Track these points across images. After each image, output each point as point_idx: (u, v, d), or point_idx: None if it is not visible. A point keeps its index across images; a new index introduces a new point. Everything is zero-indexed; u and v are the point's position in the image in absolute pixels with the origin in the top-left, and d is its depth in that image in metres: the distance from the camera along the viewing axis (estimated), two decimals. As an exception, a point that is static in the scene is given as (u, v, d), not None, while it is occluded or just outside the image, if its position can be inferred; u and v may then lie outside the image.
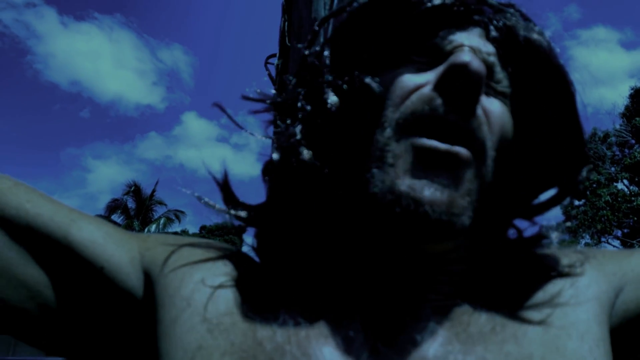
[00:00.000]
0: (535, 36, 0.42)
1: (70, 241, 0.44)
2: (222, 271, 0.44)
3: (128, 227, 18.37)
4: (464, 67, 0.37)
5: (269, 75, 2.14)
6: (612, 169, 14.28)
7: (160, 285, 0.43)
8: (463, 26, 0.41)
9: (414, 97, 0.39)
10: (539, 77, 0.43)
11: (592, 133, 16.33)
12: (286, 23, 2.12)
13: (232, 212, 0.45)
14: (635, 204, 13.09)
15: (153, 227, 19.29)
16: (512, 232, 0.47)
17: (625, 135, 14.93)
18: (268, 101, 0.46)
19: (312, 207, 0.42)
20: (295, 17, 2.15)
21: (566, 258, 0.45)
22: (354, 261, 0.43)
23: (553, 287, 0.43)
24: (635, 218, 13.41)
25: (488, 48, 0.41)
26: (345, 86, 0.41)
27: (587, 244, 14.57)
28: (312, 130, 0.41)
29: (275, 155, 0.42)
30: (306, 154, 0.41)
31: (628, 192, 13.90)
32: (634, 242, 13.63)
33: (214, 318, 0.40)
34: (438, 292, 0.41)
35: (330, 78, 0.42)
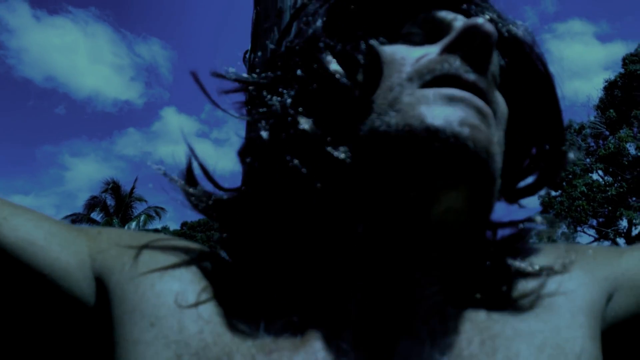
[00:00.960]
0: (515, 28, 0.43)
1: (3, 243, 0.37)
2: (190, 279, 0.38)
3: (107, 224, 18.06)
4: (480, 27, 0.37)
5: (248, 70, 2.14)
6: (587, 160, 14.60)
7: (117, 297, 0.37)
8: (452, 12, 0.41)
9: (425, 60, 0.38)
10: (521, 69, 0.44)
11: (567, 125, 16.53)
12: (256, 14, 2.12)
13: (197, 196, 0.40)
14: (609, 193, 13.42)
15: (133, 224, 19.01)
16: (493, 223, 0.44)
17: (599, 127, 15.27)
18: (252, 78, 0.42)
19: (308, 185, 0.37)
20: (262, 8, 2.16)
21: (556, 258, 0.42)
22: (345, 259, 0.38)
23: (545, 296, 0.39)
24: (610, 208, 13.76)
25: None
26: (348, 51, 0.39)
27: (563, 233, 14.88)
28: (307, 100, 0.38)
29: (264, 133, 0.38)
30: (305, 122, 0.37)
31: (603, 183, 14.24)
32: (609, 230, 14.00)
33: (182, 340, 0.34)
34: (429, 299, 0.38)
35: (329, 42, 0.39)
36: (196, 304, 0.37)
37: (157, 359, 0.33)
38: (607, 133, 15.14)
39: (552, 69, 0.45)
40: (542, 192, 0.47)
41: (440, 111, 0.34)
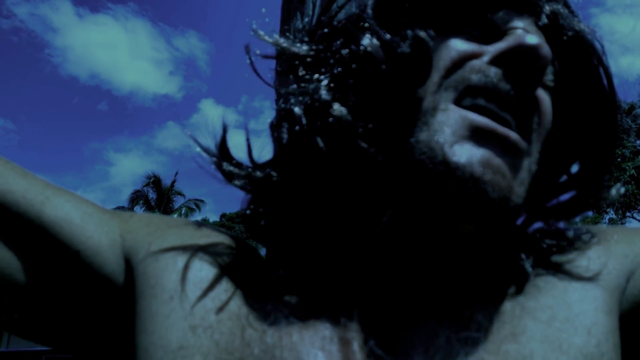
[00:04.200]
0: (584, 29, 0.39)
1: (43, 221, 0.39)
2: (211, 260, 0.40)
3: (150, 217, 18.62)
4: (534, 49, 0.34)
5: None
6: (638, 142, 13.89)
7: (141, 273, 0.39)
8: (517, 9, 0.39)
9: (468, 67, 0.36)
10: (582, 74, 0.40)
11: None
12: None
13: (230, 168, 0.39)
14: (662, 177, 12.74)
15: (174, 216, 19.56)
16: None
17: (650, 107, 14.46)
18: (294, 49, 0.40)
19: (338, 172, 0.37)
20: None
21: (573, 238, 0.41)
22: (364, 248, 0.39)
23: (557, 272, 0.39)
24: (662, 191, 13.06)
25: (541, 38, 0.38)
26: (394, 39, 0.36)
27: (611, 220, 14.26)
28: (345, 84, 0.36)
29: (297, 110, 0.37)
30: (338, 109, 0.35)
31: (654, 165, 13.52)
32: (661, 216, 13.29)
33: (199, 314, 0.36)
34: (442, 284, 0.38)
35: (376, 27, 0.37)
36: (214, 283, 0.38)
37: (173, 330, 0.35)
38: (659, 113, 14.32)
39: (604, 45, 0.40)
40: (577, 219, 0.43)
41: (463, 147, 0.33)
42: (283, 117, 0.39)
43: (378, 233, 0.38)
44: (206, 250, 0.41)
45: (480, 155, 0.33)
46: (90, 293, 0.40)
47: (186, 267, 0.39)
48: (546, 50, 0.35)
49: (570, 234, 0.42)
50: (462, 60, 0.36)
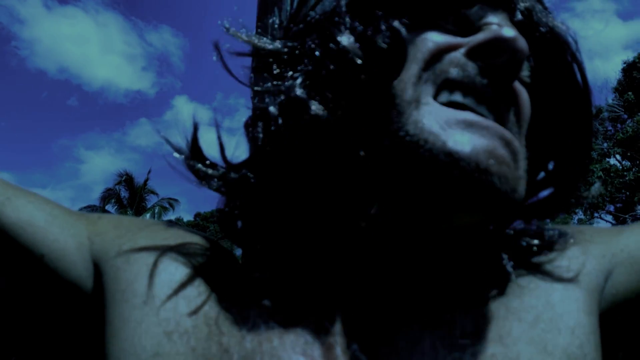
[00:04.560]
0: (558, 25, 0.39)
1: (4, 223, 0.37)
2: (184, 262, 0.38)
3: (123, 216, 18.27)
4: (511, 41, 0.34)
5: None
6: (605, 144, 14.35)
7: (111, 277, 0.37)
8: (491, 5, 0.38)
9: (446, 60, 0.35)
10: (556, 70, 0.41)
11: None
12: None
13: (203, 169, 0.38)
14: (627, 178, 13.20)
15: (147, 215, 19.25)
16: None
17: (617, 110, 14.97)
18: (268, 47, 0.39)
19: (317, 170, 0.36)
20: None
21: (552, 238, 0.41)
22: (348, 246, 0.37)
23: (538, 273, 0.39)
24: (628, 193, 13.54)
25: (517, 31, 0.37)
26: (368, 32, 0.35)
27: (580, 220, 14.71)
28: (320, 81, 0.35)
29: (272, 109, 0.36)
30: (315, 107, 0.34)
31: (620, 167, 14.00)
32: (627, 216, 13.79)
33: (174, 319, 0.34)
34: (426, 287, 0.37)
35: (350, 20, 0.36)
36: (189, 286, 0.37)
37: (147, 336, 0.34)
38: (625, 116, 14.84)
39: (577, 41, 0.41)
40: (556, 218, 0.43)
41: (463, 137, 0.32)
42: (258, 116, 0.37)
43: (365, 228, 0.36)
44: (179, 252, 0.39)
45: (484, 145, 0.32)
46: (56, 299, 0.38)
47: (159, 271, 0.37)
48: (523, 43, 0.34)
49: (549, 233, 0.42)
50: (440, 52, 0.35)
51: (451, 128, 0.33)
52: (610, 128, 15.14)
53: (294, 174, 0.36)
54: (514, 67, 0.35)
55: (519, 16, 0.39)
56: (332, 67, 0.35)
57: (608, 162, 14.15)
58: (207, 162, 0.39)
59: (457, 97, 0.35)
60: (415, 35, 0.36)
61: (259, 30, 0.41)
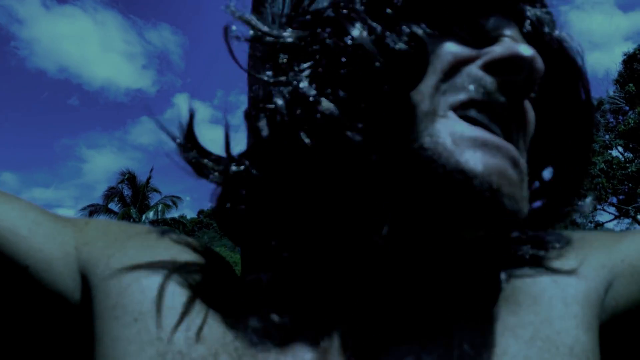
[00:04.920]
0: (566, 38, 0.39)
1: None
2: (178, 276, 0.36)
3: (125, 214, 18.37)
4: (530, 61, 0.34)
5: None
6: (607, 136, 14.31)
7: (100, 291, 0.35)
8: (505, 15, 0.38)
9: (464, 73, 0.35)
10: (562, 84, 0.41)
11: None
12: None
13: (201, 160, 0.37)
14: (629, 170, 13.16)
15: (151, 213, 19.30)
16: None
17: (619, 102, 14.91)
18: (275, 34, 0.37)
19: (325, 171, 0.34)
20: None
21: (552, 247, 0.40)
22: (352, 258, 0.36)
23: (536, 286, 0.37)
24: (630, 184, 13.51)
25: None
26: (387, 34, 0.34)
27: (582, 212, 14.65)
28: (332, 78, 0.34)
29: (279, 101, 0.34)
30: (326, 105, 0.33)
31: (622, 159, 13.97)
32: (629, 208, 13.76)
33: (167, 338, 0.33)
34: (427, 303, 0.36)
35: (366, 17, 0.35)
36: (181, 302, 0.35)
37: (140, 356, 0.32)
38: (627, 108, 14.78)
39: (583, 53, 0.41)
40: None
41: (476, 155, 0.32)
42: (262, 108, 0.36)
43: (374, 240, 0.35)
44: (172, 265, 0.37)
45: (496, 165, 0.32)
46: (42, 311, 0.36)
47: (149, 286, 0.35)
48: (540, 63, 0.34)
49: (549, 243, 0.41)
50: (458, 64, 0.35)
51: (464, 144, 0.32)
52: (611, 120, 15.09)
53: (299, 172, 0.35)
54: (529, 85, 0.34)
55: (528, 27, 0.39)
56: (345, 64, 0.34)
57: (610, 154, 14.12)
58: (206, 153, 0.38)
59: (472, 113, 0.34)
60: (435, 44, 0.35)
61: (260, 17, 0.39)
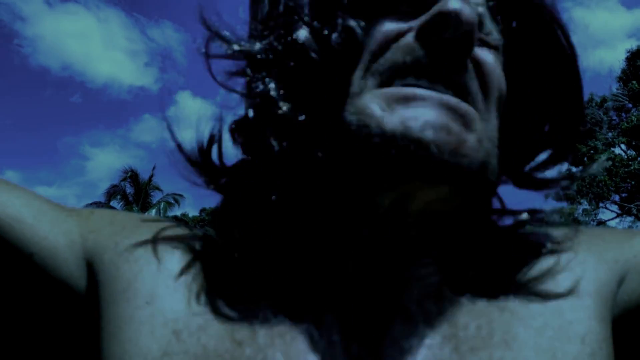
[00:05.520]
0: None
1: None
2: (186, 259, 0.37)
3: (128, 212, 18.38)
4: (453, 15, 0.32)
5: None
6: (610, 134, 14.26)
7: (108, 276, 0.36)
8: None
9: (394, 47, 0.35)
10: (533, 29, 0.39)
11: (589, 98, 16.22)
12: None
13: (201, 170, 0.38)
14: (632, 168, 13.13)
15: (153, 211, 19.32)
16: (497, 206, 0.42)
17: (622, 99, 14.85)
18: (237, 47, 0.38)
19: (289, 169, 0.35)
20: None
21: (562, 241, 0.40)
22: (332, 238, 0.37)
23: (547, 278, 0.37)
24: (633, 182, 13.47)
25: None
26: (325, 29, 0.35)
27: (585, 210, 14.66)
28: (289, 80, 0.35)
29: (250, 112, 0.36)
30: (284, 106, 0.34)
31: (625, 157, 13.93)
32: (632, 206, 13.73)
33: (181, 318, 0.33)
34: (424, 280, 0.36)
35: (308, 19, 0.36)
36: (194, 283, 0.36)
37: (153, 336, 0.33)
38: (630, 105, 14.73)
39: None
40: (561, 169, 0.42)
41: (398, 114, 0.32)
42: (239, 120, 0.38)
43: (339, 232, 0.36)
44: (181, 249, 0.38)
45: (418, 118, 0.32)
46: (47, 298, 0.37)
47: (162, 269, 0.36)
48: (467, 13, 0.33)
49: (560, 235, 0.40)
50: (388, 41, 0.35)
51: (390, 107, 0.32)
52: (614, 117, 15.04)
53: (276, 178, 0.36)
54: (463, 40, 0.33)
55: None
56: (294, 64, 0.35)
57: (613, 151, 14.08)
58: (207, 163, 0.39)
59: (410, 80, 0.34)
60: (372, 28, 0.36)
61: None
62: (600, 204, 14.27)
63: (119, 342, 0.33)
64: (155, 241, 0.38)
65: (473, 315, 0.35)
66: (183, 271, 0.37)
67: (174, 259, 0.37)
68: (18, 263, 0.36)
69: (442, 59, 0.34)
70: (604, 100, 14.83)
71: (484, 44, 0.37)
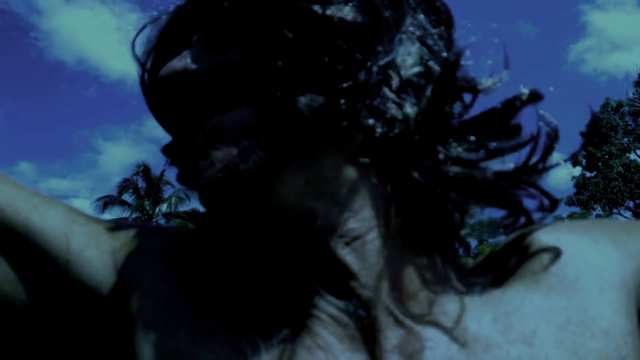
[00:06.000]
0: None
1: (29, 230, 0.38)
2: (198, 265, 0.39)
3: (139, 206, 18.60)
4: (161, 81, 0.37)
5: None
6: (625, 139, 14.06)
7: (134, 284, 0.38)
8: None
9: None
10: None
11: (604, 103, 15.99)
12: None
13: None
14: (648, 174, 12.93)
15: (164, 206, 19.50)
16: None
17: (638, 104, 14.63)
18: None
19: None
20: None
21: (584, 233, 0.38)
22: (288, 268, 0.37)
23: (570, 272, 0.35)
24: (648, 188, 13.27)
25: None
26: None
27: (598, 216, 14.46)
28: None
29: None
30: None
31: (641, 163, 13.72)
32: (646, 212, 13.51)
33: (195, 323, 0.35)
34: (427, 282, 0.35)
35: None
36: (208, 289, 0.37)
37: (172, 340, 0.34)
38: (647, 111, 14.50)
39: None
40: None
41: None
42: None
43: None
44: (192, 256, 0.40)
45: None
46: (80, 305, 0.39)
47: (178, 274, 0.38)
48: (162, 75, 0.36)
49: (582, 227, 0.39)
50: None
51: None
52: (630, 123, 14.81)
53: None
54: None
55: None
56: None
57: (628, 157, 13.88)
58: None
59: None
60: None
61: None
62: (614, 210, 14.07)
63: (147, 344, 0.35)
64: (169, 250, 0.40)
65: (489, 307, 0.34)
66: (197, 278, 0.38)
67: (187, 266, 0.39)
68: (54, 270, 0.38)
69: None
70: (619, 105, 14.62)
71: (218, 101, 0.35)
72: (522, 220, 0.38)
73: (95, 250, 0.39)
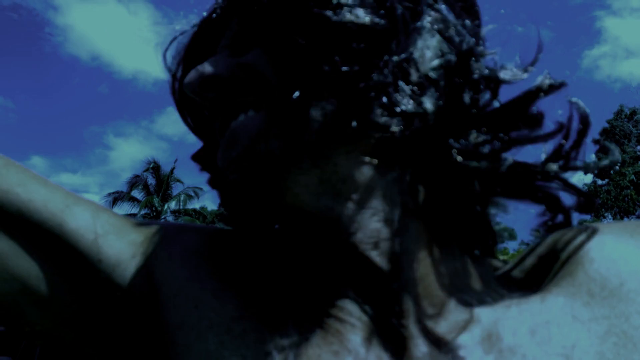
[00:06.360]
0: None
1: (64, 230, 0.39)
2: (227, 265, 0.39)
3: (148, 202, 18.74)
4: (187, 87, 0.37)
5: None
6: (638, 147, 13.89)
7: (162, 283, 0.39)
8: None
9: None
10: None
11: (618, 110, 15.81)
12: None
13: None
14: (661, 183, 12.76)
15: (173, 203, 19.63)
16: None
17: (653, 113, 14.44)
18: None
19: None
20: None
21: (626, 236, 0.36)
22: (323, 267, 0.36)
23: (613, 278, 0.34)
24: (661, 198, 13.09)
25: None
26: None
27: (609, 224, 14.27)
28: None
29: None
30: None
31: (654, 171, 13.54)
32: (658, 222, 13.33)
33: (224, 324, 0.35)
34: (458, 287, 0.34)
35: None
36: (235, 289, 0.37)
37: (201, 340, 0.34)
38: (661, 119, 14.31)
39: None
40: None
41: None
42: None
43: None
44: (220, 255, 0.40)
45: None
46: (112, 303, 0.39)
47: (207, 275, 0.38)
48: (187, 81, 0.36)
49: (627, 229, 0.37)
50: None
51: None
52: (645, 130, 14.62)
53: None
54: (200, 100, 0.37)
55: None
56: None
57: (641, 165, 13.70)
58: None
59: None
60: None
61: None
62: (626, 219, 13.90)
63: (176, 346, 0.35)
64: (197, 249, 0.41)
65: (526, 317, 0.33)
66: (224, 278, 0.38)
67: (217, 266, 0.39)
68: (87, 269, 0.39)
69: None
70: (633, 112, 14.45)
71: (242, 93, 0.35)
72: (560, 218, 0.36)
73: (127, 250, 0.40)
